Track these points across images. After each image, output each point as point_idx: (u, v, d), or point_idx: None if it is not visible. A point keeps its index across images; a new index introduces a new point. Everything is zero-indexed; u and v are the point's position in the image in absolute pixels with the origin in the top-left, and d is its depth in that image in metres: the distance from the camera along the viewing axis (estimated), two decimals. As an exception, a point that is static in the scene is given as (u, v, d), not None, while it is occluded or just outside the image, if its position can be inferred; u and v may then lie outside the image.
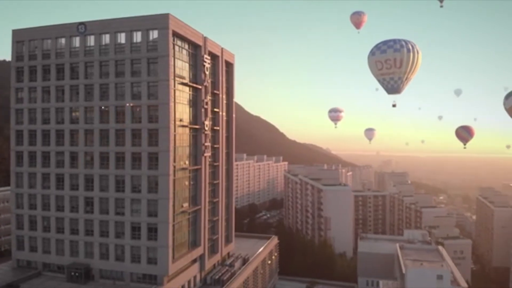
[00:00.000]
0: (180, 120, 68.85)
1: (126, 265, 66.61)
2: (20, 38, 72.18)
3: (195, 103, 73.92)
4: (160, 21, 64.22)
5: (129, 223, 66.42)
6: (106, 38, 67.59)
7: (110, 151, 67.27)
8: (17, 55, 72.51)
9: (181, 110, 69.55)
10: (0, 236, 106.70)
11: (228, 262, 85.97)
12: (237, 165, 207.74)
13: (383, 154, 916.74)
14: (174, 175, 66.42)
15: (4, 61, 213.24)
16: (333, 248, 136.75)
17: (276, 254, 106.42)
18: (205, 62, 75.10)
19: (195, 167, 73.88)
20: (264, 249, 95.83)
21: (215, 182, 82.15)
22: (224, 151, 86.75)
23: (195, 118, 74.14)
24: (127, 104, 66.34)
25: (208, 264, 79.08)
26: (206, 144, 75.77)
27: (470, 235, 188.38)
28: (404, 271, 71.18)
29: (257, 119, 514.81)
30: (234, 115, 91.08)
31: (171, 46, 64.86)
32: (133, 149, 66.19)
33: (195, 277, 74.70)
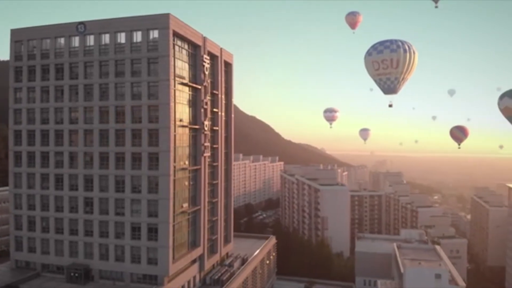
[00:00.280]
0: (180, 120, 68.83)
1: (126, 266, 66.45)
2: (18, 37, 71.76)
3: (194, 103, 73.91)
4: (161, 21, 64.17)
5: (129, 224, 66.28)
6: (106, 38, 67.37)
7: (110, 151, 67.08)
8: (16, 54, 72.02)
9: (181, 110, 69.51)
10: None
11: (227, 262, 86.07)
12: (233, 165, 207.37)
13: (377, 154, 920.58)
14: (174, 175, 66.37)
15: (3, 61, 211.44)
16: (330, 248, 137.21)
17: (274, 254, 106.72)
18: (205, 62, 75.14)
19: (195, 167, 73.88)
20: (262, 249, 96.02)
21: (214, 182, 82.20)
22: (223, 151, 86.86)
23: (195, 118, 74.13)
24: (125, 106, 66.29)
25: (208, 264, 79.11)
26: (205, 144, 75.80)
27: (464, 235, 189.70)
28: (402, 271, 71.66)
29: (253, 119, 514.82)
30: (233, 115, 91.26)
31: (171, 46, 64.82)
32: (133, 149, 66.06)
33: (194, 278, 74.71)
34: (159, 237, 64.64)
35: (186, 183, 71.55)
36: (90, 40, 68.04)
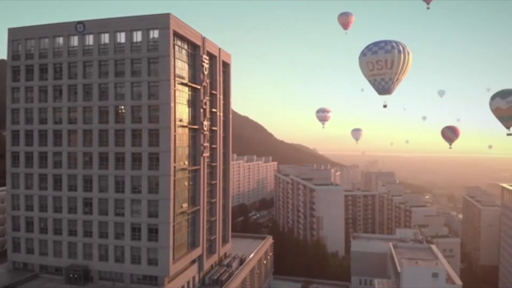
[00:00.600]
0: (180, 120, 68.77)
1: (126, 266, 66.21)
2: (16, 37, 71.11)
3: (194, 103, 73.87)
4: (161, 20, 64.07)
5: (129, 224, 66.07)
6: (106, 38, 67.13)
7: (110, 151, 66.82)
8: (13, 54, 71.39)
9: (181, 110, 69.45)
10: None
11: (225, 262, 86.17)
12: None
13: (368, 154, 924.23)
14: (175, 176, 66.29)
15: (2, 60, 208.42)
16: (326, 247, 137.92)
17: (271, 254, 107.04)
18: (204, 62, 75.12)
19: (194, 168, 73.85)
20: (260, 249, 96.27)
21: (213, 182, 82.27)
22: (221, 151, 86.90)
23: (194, 118, 74.09)
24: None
25: (207, 265, 79.14)
26: (204, 144, 75.78)
27: (456, 234, 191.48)
28: (399, 270, 72.20)
29: (245, 119, 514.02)
30: (230, 116, 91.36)
31: (171, 46, 64.74)
32: (133, 149, 65.87)
33: (194, 278, 74.71)
34: (159, 238, 64.51)
35: (186, 183, 71.49)
36: (89, 39, 67.70)
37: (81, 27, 67.16)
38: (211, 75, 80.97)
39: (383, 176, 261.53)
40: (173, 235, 66.15)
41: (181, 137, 69.31)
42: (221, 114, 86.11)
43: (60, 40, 69.33)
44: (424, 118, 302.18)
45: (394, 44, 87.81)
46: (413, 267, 72.27)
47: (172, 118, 64.89)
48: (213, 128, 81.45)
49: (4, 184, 75.03)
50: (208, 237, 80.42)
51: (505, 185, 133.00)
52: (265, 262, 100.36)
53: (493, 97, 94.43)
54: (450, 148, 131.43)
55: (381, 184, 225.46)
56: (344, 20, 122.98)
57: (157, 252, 64.79)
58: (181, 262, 68.59)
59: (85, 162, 68.32)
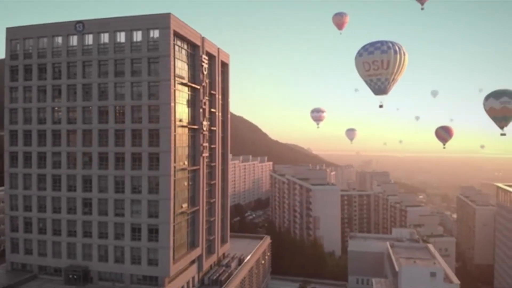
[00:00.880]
0: (180, 120, 68.72)
1: (126, 267, 66.02)
2: (14, 36, 70.65)
3: (193, 103, 73.86)
4: (161, 20, 63.98)
5: (129, 224, 65.90)
6: (105, 37, 66.88)
7: (109, 151, 66.60)
8: (12, 53, 70.93)
9: (181, 110, 69.40)
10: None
11: (224, 262, 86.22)
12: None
13: (362, 154, 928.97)
14: (175, 176, 66.22)
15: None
16: (323, 247, 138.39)
17: (269, 254, 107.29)
18: (204, 62, 75.13)
19: (194, 168, 73.83)
20: (258, 249, 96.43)
21: (212, 182, 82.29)
22: (220, 151, 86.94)
23: (194, 118, 74.09)
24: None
25: (206, 265, 79.08)
26: (204, 144, 75.77)
27: (451, 233, 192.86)
28: (397, 269, 72.68)
29: (240, 119, 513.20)
30: (229, 116, 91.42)
31: (172, 46, 64.66)
32: (133, 149, 65.72)
33: (193, 278, 74.63)
34: (159, 238, 64.42)
35: (186, 183, 71.46)
36: (89, 39, 67.41)
37: (80, 27, 66.88)
38: (210, 75, 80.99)
39: (378, 176, 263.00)
40: (173, 235, 66.05)
41: (181, 137, 69.25)
42: (220, 114, 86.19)
43: (59, 39, 68.96)
44: (417, 118, 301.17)
45: (390, 45, 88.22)
46: (411, 266, 72.70)
47: (172, 118, 64.81)
48: (212, 128, 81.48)
49: (2, 185, 74.46)
50: (207, 237, 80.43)
51: (500, 184, 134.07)
52: (263, 262, 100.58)
53: (487, 98, 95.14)
54: (444, 148, 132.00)
55: (376, 184, 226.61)
56: (339, 20, 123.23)
57: (157, 253, 64.68)
58: (181, 262, 68.51)
59: (85, 162, 68.04)
